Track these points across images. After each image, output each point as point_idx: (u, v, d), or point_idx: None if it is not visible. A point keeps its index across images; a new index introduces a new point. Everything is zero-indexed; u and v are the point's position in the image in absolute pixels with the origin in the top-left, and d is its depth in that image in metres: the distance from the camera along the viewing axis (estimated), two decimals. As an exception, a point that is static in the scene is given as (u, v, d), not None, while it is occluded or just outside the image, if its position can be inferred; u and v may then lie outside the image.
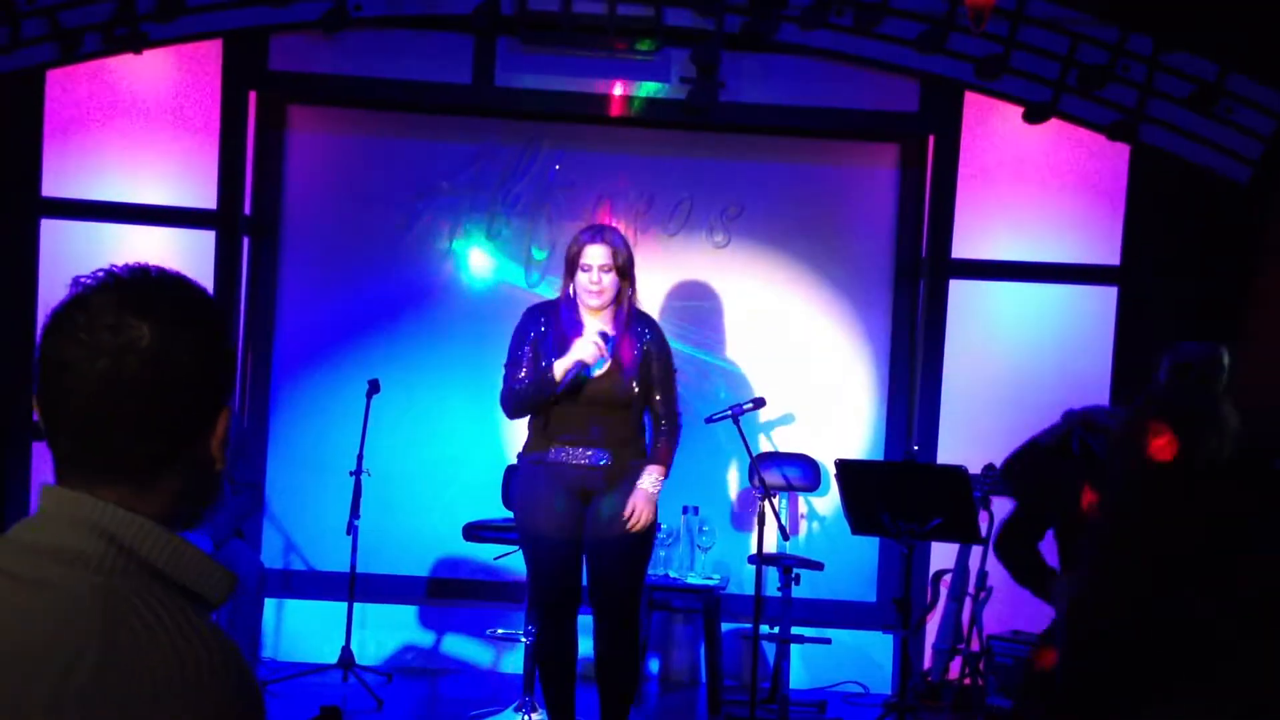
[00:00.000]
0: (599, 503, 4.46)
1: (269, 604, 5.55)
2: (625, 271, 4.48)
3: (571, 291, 4.52)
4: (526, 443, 4.62)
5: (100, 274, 1.34)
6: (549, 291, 6.22)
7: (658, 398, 4.56)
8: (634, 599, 4.54)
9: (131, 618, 1.25)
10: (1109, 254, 6.12)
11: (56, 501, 1.33)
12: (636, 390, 4.49)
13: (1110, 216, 6.11)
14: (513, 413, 4.60)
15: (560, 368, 4.37)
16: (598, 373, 4.44)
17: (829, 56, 5.98)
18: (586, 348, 4.39)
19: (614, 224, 6.26)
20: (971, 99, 6.04)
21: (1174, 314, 5.88)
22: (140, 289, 1.34)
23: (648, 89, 6.08)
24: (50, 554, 1.29)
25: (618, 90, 6.14)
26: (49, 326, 1.34)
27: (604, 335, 4.41)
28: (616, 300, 4.50)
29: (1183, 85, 5.76)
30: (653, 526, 4.55)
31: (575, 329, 4.48)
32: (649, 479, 4.46)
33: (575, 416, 4.46)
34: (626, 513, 4.41)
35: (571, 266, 4.50)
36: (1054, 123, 5.91)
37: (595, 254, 4.44)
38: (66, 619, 1.24)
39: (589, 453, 4.45)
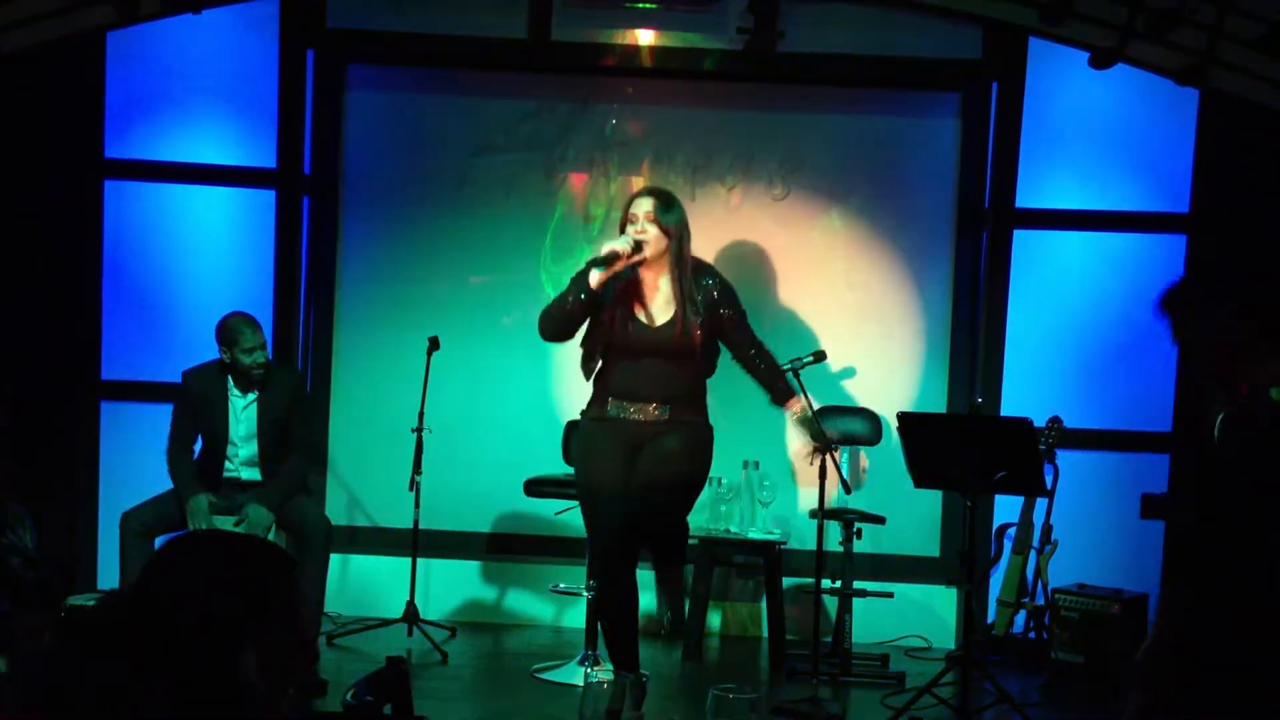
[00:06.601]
0: (653, 444, 4.50)
1: (334, 559, 5.61)
2: (674, 230, 4.51)
3: None
4: (589, 400, 4.67)
5: None
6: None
7: (738, 332, 4.63)
8: (680, 520, 4.67)
9: None
10: (1177, 202, 6.00)
11: None
12: (700, 340, 4.49)
13: (1179, 163, 5.98)
14: (546, 327, 4.61)
15: (595, 275, 4.42)
16: (635, 256, 4.45)
17: (889, 3, 5.88)
18: (618, 241, 4.46)
19: (671, 179, 6.22)
20: (1036, 45, 5.92)
21: (1245, 262, 5.75)
22: None
23: (704, 41, 6.02)
24: None
25: (674, 43, 6.08)
26: None
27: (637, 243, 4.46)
28: (670, 258, 4.52)
29: (1254, 27, 5.59)
30: (705, 469, 4.62)
31: (626, 283, 4.50)
32: (800, 407, 4.68)
33: (635, 372, 4.49)
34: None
35: (624, 223, 4.57)
36: (1120, 68, 5.77)
37: (640, 204, 4.53)
38: None
39: (648, 408, 4.48)
